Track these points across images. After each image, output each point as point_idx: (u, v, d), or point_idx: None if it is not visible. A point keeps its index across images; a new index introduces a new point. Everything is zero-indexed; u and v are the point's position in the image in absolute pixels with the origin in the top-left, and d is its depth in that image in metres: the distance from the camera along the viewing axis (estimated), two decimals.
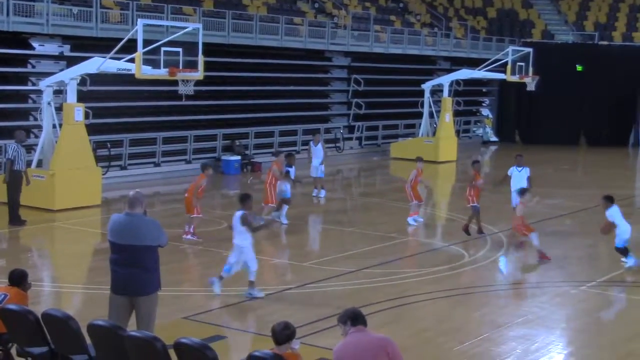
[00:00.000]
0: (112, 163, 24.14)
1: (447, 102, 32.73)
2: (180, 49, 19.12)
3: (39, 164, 20.19)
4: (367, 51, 34.55)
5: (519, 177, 18.79)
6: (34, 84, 22.90)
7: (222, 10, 28.49)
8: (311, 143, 23.62)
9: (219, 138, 28.01)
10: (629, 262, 15.14)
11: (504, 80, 33.07)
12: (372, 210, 21.66)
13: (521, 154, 19.78)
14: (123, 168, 24.95)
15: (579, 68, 40.63)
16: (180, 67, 19.06)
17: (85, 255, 16.33)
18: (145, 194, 10.18)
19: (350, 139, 34.36)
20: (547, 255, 15.65)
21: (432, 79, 34.05)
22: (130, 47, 18.72)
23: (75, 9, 23.78)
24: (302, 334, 9.77)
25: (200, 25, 20.24)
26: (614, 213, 15.15)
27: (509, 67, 30.33)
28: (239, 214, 12.49)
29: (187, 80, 19.66)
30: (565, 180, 29.00)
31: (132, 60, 18.49)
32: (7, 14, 21.88)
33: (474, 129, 43.13)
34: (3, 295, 8.76)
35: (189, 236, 16.50)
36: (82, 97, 20.73)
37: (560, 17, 46.28)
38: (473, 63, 36.27)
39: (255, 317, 12.14)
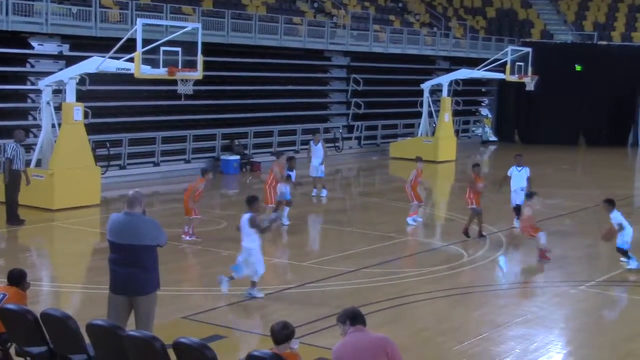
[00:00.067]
0: (111, 162, 24.13)
1: (446, 101, 32.73)
2: (179, 49, 19.10)
3: (38, 163, 20.18)
4: (366, 51, 34.55)
5: (518, 176, 18.82)
6: (33, 84, 22.89)
7: (221, 10, 28.49)
8: (311, 142, 23.63)
9: (218, 138, 28.00)
10: (631, 264, 15.13)
11: (503, 80, 33.08)
12: (372, 210, 21.65)
13: (520, 153, 19.81)
14: (122, 167, 24.95)
15: (578, 68, 40.64)
16: (180, 67, 19.05)
17: (84, 254, 16.32)
18: (145, 193, 10.18)
19: (350, 138, 34.37)
20: (548, 256, 15.65)
21: (431, 79, 34.04)
22: (129, 46, 18.71)
23: (74, 9, 23.78)
24: (301, 333, 9.78)
25: (199, 25, 20.23)
26: (618, 216, 15.15)
27: (508, 66, 30.32)
28: (247, 216, 12.43)
29: (186, 80, 19.64)
30: (565, 180, 29.00)
31: (131, 60, 18.48)
32: (7, 14, 21.87)
33: (473, 128, 43.13)
34: (2, 295, 8.76)
35: (187, 237, 16.49)
36: (81, 96, 20.71)
37: (559, 17, 46.28)
38: (472, 63, 36.27)
39: (254, 316, 12.14)
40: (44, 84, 20.31)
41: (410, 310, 12.45)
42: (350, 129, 34.58)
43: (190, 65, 19.27)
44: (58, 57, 24.00)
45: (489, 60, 31.78)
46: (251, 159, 28.33)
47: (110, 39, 21.79)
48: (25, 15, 22.41)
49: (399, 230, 18.43)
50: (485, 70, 31.87)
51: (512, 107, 42.36)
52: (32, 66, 23.80)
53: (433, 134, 32.93)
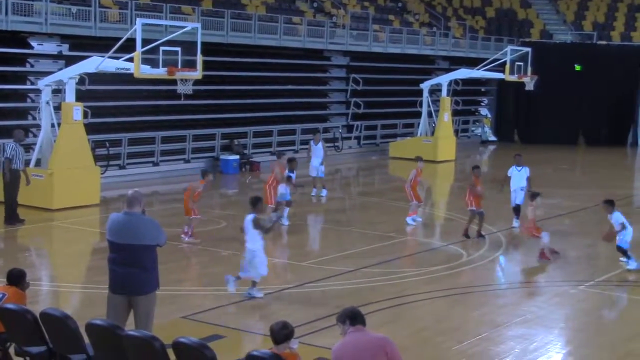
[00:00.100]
0: (111, 162, 24.13)
1: (446, 101, 32.73)
2: (179, 48, 19.10)
3: (38, 163, 20.17)
4: (365, 50, 34.54)
5: (518, 176, 18.82)
6: (32, 83, 22.88)
7: (220, 10, 28.48)
8: (312, 142, 23.63)
9: (217, 137, 28.00)
10: (630, 264, 15.13)
11: (502, 80, 33.07)
12: (371, 209, 21.65)
13: (520, 153, 19.81)
14: (122, 167, 24.94)
15: (577, 68, 40.64)
16: (179, 67, 19.05)
17: (83, 254, 16.32)
18: (144, 193, 10.19)
19: (349, 138, 34.37)
20: (548, 256, 15.65)
21: (430, 79, 34.04)
22: (129, 46, 18.71)
23: (74, 8, 23.77)
24: (301, 333, 9.77)
25: (199, 25, 20.23)
26: (619, 217, 15.15)
27: (507, 66, 30.32)
28: (250, 217, 12.41)
29: (186, 80, 19.64)
30: (564, 179, 28.99)
31: (130, 60, 18.47)
32: (6, 13, 21.86)
33: (473, 128, 43.13)
34: (1, 295, 8.75)
35: (187, 237, 16.47)
36: (80, 96, 20.70)
37: (558, 17, 46.29)
38: (472, 62, 36.26)
39: (254, 316, 12.14)
40: (43, 83, 20.30)
41: (409, 310, 12.45)
42: (349, 128, 34.58)
43: (190, 65, 19.27)
44: (57, 56, 23.99)
45: (488, 60, 31.78)
46: (250, 159, 28.33)
47: (109, 39, 21.78)
48: (25, 15, 22.40)
49: (398, 230, 18.43)
50: (484, 70, 31.87)
51: (511, 107, 42.37)
52: (32, 66, 23.79)
53: (432, 133, 32.93)
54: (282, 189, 18.29)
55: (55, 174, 19.40)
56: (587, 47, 42.13)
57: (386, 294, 13.07)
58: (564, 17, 46.05)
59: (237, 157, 27.63)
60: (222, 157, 27.54)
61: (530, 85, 31.35)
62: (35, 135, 21.68)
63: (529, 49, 31.32)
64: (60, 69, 22.10)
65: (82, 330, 7.83)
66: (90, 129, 21.63)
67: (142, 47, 18.16)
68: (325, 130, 32.69)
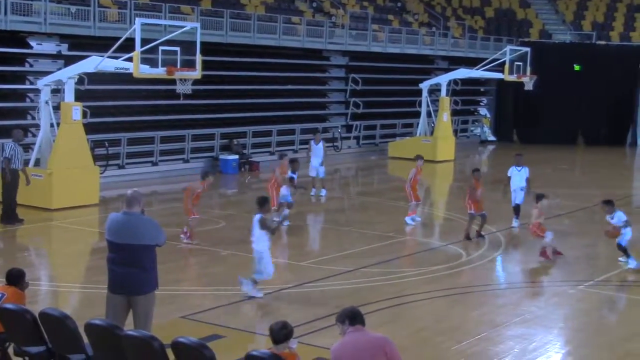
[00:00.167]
0: (110, 162, 24.12)
1: (445, 101, 32.73)
2: (178, 48, 19.10)
3: (37, 163, 20.17)
4: (365, 50, 34.55)
5: (518, 176, 18.81)
6: (31, 83, 22.88)
7: (220, 10, 28.48)
8: (312, 142, 23.63)
9: (216, 137, 27.99)
10: (630, 263, 15.12)
11: (501, 80, 33.06)
12: (370, 209, 21.64)
13: (520, 153, 19.80)
14: (121, 167, 24.93)
15: (576, 68, 40.65)
16: (178, 66, 19.04)
17: (82, 254, 16.31)
18: (143, 193, 10.18)
19: (348, 138, 34.37)
20: (549, 255, 15.63)
21: (429, 79, 34.05)
22: (128, 46, 18.70)
23: (73, 8, 23.76)
24: (300, 333, 9.77)
25: (198, 25, 20.23)
26: (622, 215, 15.14)
27: (506, 66, 30.33)
28: (257, 217, 12.37)
29: (185, 79, 19.63)
30: (563, 179, 28.99)
31: (130, 59, 18.46)
32: (5, 13, 21.85)
33: (472, 128, 43.12)
34: (0, 295, 8.75)
35: (185, 238, 16.44)
36: (79, 96, 20.70)
37: (557, 17, 46.30)
38: (471, 62, 36.25)
39: (253, 316, 12.14)
40: (42, 83, 20.29)
41: (409, 310, 12.44)
42: (349, 128, 34.58)
43: (189, 64, 19.27)
44: (57, 56, 23.98)
45: (487, 60, 31.79)
46: (250, 159, 28.33)
47: (109, 39, 21.76)
48: (24, 15, 22.39)
49: (397, 230, 18.42)
50: (483, 70, 31.88)
51: (510, 107, 42.35)
52: (31, 65, 23.78)
53: (432, 133, 32.94)
54: (284, 190, 18.32)
55: (54, 174, 19.39)
56: (586, 47, 42.15)
57: (385, 293, 13.06)
58: (563, 17, 46.07)
59: (237, 157, 27.62)
60: (221, 157, 27.52)
61: (529, 85, 31.35)
62: (34, 135, 21.66)
63: (528, 49, 31.33)
64: (60, 69, 22.08)
65: (81, 330, 7.82)
66: (89, 128, 21.62)
67: (141, 46, 18.15)
68: (325, 130, 32.67)
